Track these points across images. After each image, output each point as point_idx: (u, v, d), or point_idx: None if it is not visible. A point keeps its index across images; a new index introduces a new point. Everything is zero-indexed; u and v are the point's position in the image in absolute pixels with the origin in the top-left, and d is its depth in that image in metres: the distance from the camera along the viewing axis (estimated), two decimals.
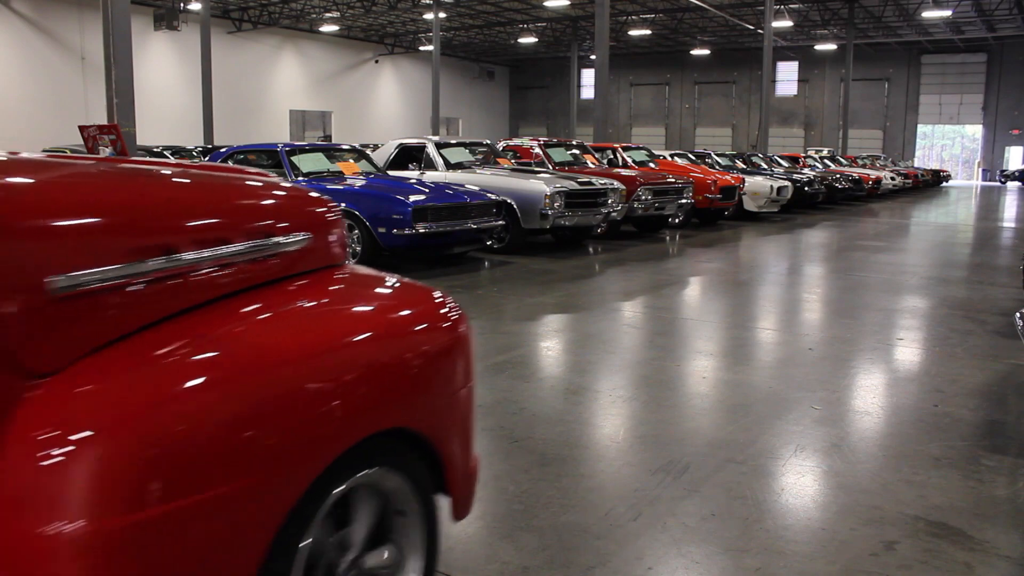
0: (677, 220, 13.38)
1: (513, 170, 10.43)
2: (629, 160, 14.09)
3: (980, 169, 42.75)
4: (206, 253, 1.52)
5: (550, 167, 11.65)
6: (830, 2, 32.48)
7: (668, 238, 12.17)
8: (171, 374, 1.32)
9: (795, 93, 46.12)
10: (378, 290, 1.90)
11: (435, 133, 32.07)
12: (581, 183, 9.81)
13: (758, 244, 11.59)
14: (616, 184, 10.35)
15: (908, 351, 5.19)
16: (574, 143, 13.46)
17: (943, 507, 2.81)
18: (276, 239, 1.71)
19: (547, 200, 9.20)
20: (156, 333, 1.40)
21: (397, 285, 1.94)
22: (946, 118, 43.23)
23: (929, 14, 31.17)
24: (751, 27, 33.92)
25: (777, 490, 2.95)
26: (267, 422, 1.39)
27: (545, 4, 31.82)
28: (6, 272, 1.20)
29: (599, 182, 10.11)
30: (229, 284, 1.58)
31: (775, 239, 12.24)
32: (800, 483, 3.02)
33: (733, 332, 5.68)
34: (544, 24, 38.36)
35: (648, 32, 37.63)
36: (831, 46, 39.01)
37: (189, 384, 1.32)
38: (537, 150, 12.13)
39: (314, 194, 1.92)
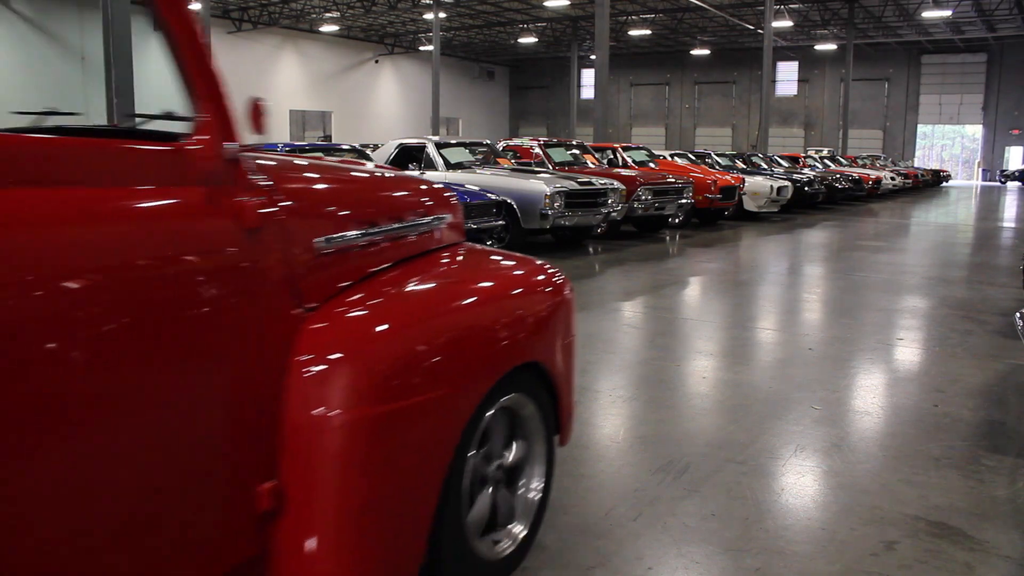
0: (677, 220, 13.39)
1: (513, 170, 10.43)
2: (629, 160, 14.09)
3: (980, 169, 42.76)
4: (395, 226, 2.12)
5: (550, 167, 11.65)
6: (830, 2, 32.49)
7: (668, 238, 12.17)
8: (391, 310, 1.87)
9: (795, 93, 46.14)
10: (507, 260, 2.48)
11: (435, 133, 32.06)
12: (581, 183, 9.81)
13: (758, 244, 11.59)
14: (616, 184, 10.35)
15: (908, 351, 5.19)
16: (574, 143, 13.46)
17: (943, 507, 2.81)
18: (430, 218, 2.30)
19: (547, 200, 9.21)
20: (376, 280, 1.97)
21: (518, 257, 2.52)
22: (946, 118, 43.24)
23: (929, 14, 31.18)
24: (751, 27, 33.93)
25: (777, 490, 2.95)
26: (458, 347, 1.96)
27: (545, 4, 31.82)
28: (296, 236, 1.74)
29: (599, 182, 10.11)
30: (409, 249, 2.18)
31: (775, 239, 12.24)
32: (800, 483, 3.02)
33: (733, 332, 5.68)
34: (544, 24, 38.36)
35: (648, 32, 37.64)
36: (831, 46, 39.01)
37: (404, 317, 1.87)
38: (537, 150, 12.14)
39: (443, 187, 2.48)
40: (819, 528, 2.65)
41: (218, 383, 1.56)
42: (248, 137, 1.70)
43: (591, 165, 12.46)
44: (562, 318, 2.43)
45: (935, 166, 39.77)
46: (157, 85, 29.55)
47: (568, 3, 31.57)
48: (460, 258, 2.34)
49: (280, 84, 36.87)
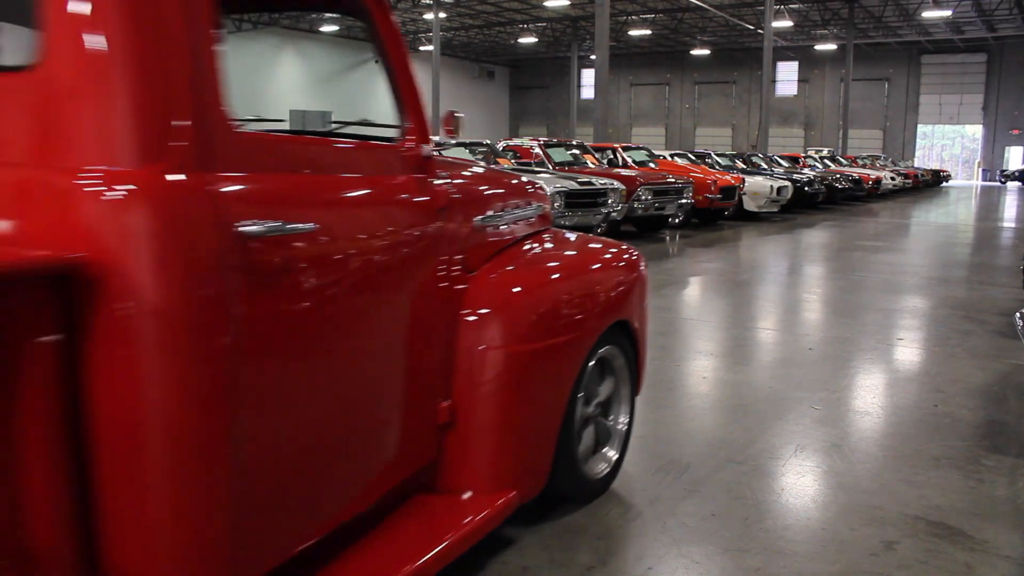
0: (677, 220, 13.38)
1: (513, 170, 10.42)
2: (629, 160, 14.08)
3: (980, 169, 42.77)
4: (517, 212, 2.69)
5: (550, 167, 11.65)
6: (830, 2, 32.50)
7: (668, 238, 12.17)
8: (525, 275, 2.47)
9: (795, 93, 46.12)
10: (593, 241, 3.05)
11: (435, 133, 32.04)
12: (581, 183, 9.81)
13: (758, 244, 11.59)
14: (616, 184, 10.35)
15: (908, 351, 5.19)
16: (574, 143, 13.46)
17: (943, 507, 2.81)
18: (535, 206, 2.86)
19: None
20: (508, 253, 2.55)
21: (600, 239, 3.09)
22: (946, 118, 43.24)
23: (929, 14, 31.19)
24: (751, 27, 33.93)
25: (777, 490, 2.95)
26: (574, 305, 2.58)
27: (545, 4, 31.83)
28: (465, 216, 2.32)
29: (599, 182, 10.11)
30: (524, 230, 2.74)
31: (775, 239, 12.24)
32: (800, 483, 3.02)
33: (733, 332, 5.68)
34: (544, 24, 38.37)
35: (648, 32, 37.65)
36: (831, 46, 39.01)
37: (534, 281, 2.48)
38: (537, 150, 12.14)
39: (537, 183, 3.02)
40: (819, 528, 2.65)
41: (421, 322, 2.12)
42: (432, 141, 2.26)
43: (591, 165, 12.45)
44: (640, 286, 3.01)
45: (935, 166, 39.76)
46: None
47: (568, 3, 31.58)
48: (560, 238, 2.96)
49: (280, 84, 36.86)
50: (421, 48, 42.17)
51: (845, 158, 27.99)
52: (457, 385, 2.24)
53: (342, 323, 1.81)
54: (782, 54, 42.56)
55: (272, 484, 1.65)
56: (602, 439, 2.87)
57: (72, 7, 1.38)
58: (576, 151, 12.91)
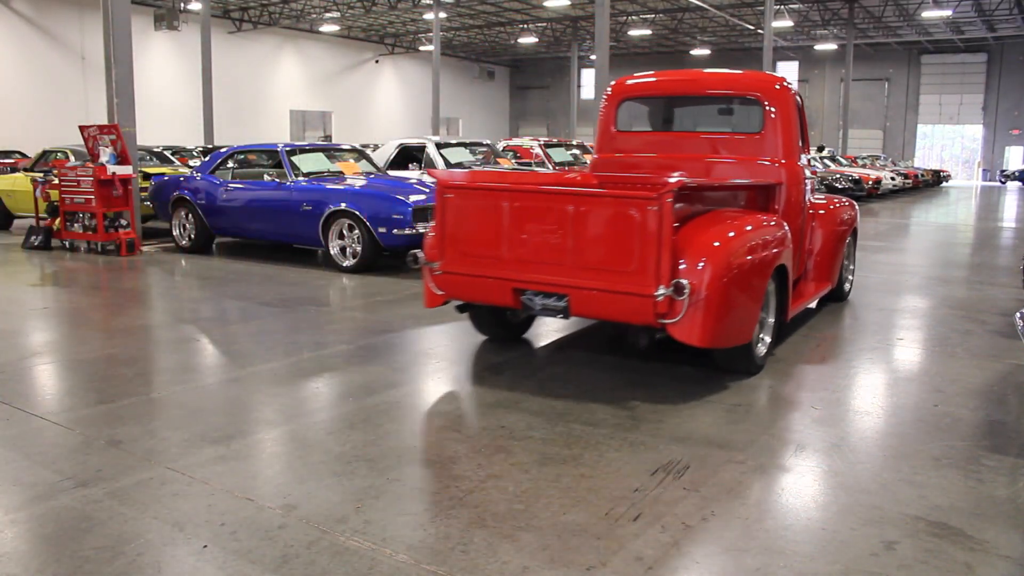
0: None
1: (513, 170, 10.43)
2: None
3: (980, 169, 42.74)
4: (813, 178, 6.19)
5: (550, 167, 11.65)
6: (830, 2, 32.46)
7: None
8: (827, 204, 6.49)
9: None
10: (837, 199, 6.74)
11: (435, 133, 32.02)
12: None
13: None
14: None
15: (908, 351, 5.20)
16: (574, 143, 13.46)
17: (943, 507, 2.81)
18: (812, 178, 6.11)
19: None
20: (815, 195, 6.47)
21: (837, 196, 6.88)
22: (946, 118, 43.21)
23: (929, 14, 31.16)
24: (751, 27, 33.92)
25: (777, 490, 2.95)
26: (845, 217, 6.59)
27: (545, 4, 31.81)
28: (807, 184, 5.95)
29: None
30: (812, 190, 6.22)
31: None
32: (800, 483, 3.02)
33: None
34: (544, 24, 38.34)
35: (648, 32, 37.61)
36: (831, 46, 38.99)
37: (829, 206, 6.47)
38: (537, 150, 12.14)
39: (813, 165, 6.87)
40: (819, 528, 2.65)
41: (808, 215, 5.92)
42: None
43: None
44: (856, 216, 6.82)
45: (935, 166, 39.72)
46: (158, 86, 29.30)
47: (568, 3, 31.55)
48: (819, 194, 6.68)
49: (280, 84, 36.85)
50: (421, 48, 42.17)
51: (845, 158, 27.97)
52: (808, 242, 5.83)
53: (807, 207, 5.76)
54: (782, 54, 42.54)
55: (809, 261, 6.10)
56: (846, 276, 6.73)
57: (771, 118, 5.46)
58: (576, 151, 12.91)
